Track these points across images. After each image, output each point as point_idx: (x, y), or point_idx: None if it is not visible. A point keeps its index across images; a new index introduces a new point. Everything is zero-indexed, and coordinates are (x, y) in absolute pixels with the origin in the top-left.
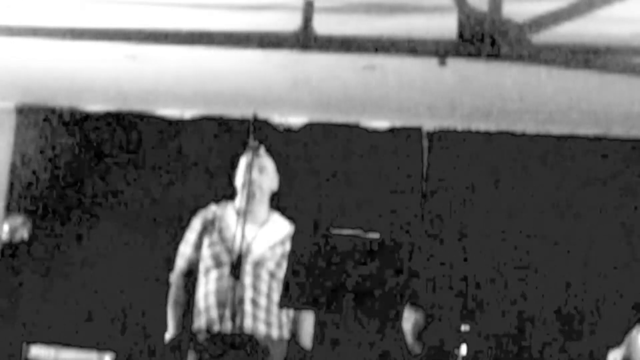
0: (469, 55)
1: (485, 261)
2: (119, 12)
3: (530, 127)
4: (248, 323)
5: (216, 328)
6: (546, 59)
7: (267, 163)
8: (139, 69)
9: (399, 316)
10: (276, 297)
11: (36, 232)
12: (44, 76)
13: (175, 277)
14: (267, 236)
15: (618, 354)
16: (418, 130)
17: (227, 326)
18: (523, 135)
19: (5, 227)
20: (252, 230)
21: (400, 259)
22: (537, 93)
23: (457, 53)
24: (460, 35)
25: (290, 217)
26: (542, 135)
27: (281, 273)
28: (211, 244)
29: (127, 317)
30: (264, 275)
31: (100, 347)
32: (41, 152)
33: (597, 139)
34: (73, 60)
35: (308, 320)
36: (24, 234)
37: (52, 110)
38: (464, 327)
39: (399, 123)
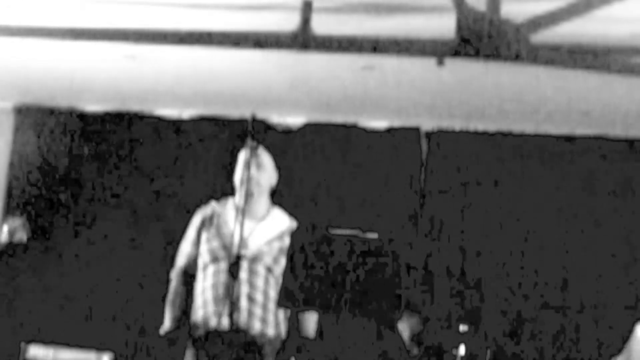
0: (468, 55)
1: (483, 261)
2: (117, 12)
3: (528, 127)
4: (243, 319)
5: (212, 323)
6: (544, 59)
7: (265, 159)
8: (137, 69)
9: (397, 316)
10: (273, 293)
11: (34, 232)
12: (42, 76)
13: (174, 273)
14: (265, 231)
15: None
16: (416, 130)
17: (223, 322)
18: (521, 135)
19: (5, 229)
20: (249, 226)
21: (398, 259)
22: (535, 93)
23: (456, 53)
24: (459, 35)
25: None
26: (540, 135)
27: (278, 268)
28: (208, 240)
29: (126, 317)
30: (261, 271)
31: (98, 347)
32: (40, 152)
33: (596, 139)
34: (72, 60)
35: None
36: (22, 235)
37: (51, 111)
38: (463, 328)
39: (397, 123)
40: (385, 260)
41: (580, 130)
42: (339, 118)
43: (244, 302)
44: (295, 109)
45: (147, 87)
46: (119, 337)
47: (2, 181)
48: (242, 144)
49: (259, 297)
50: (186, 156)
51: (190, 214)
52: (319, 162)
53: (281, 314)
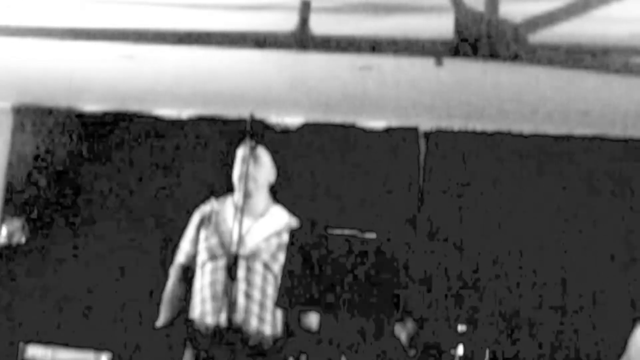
0: (466, 55)
1: (482, 261)
2: (116, 12)
3: (527, 127)
4: (240, 317)
5: (209, 320)
6: (543, 59)
7: (263, 156)
8: (136, 69)
9: (395, 317)
10: (271, 290)
11: (33, 232)
12: (41, 76)
13: (172, 269)
14: (262, 228)
15: None
16: (415, 130)
17: (220, 319)
18: (520, 135)
19: (3, 231)
20: (247, 223)
21: (397, 259)
22: (534, 93)
23: (454, 53)
24: (457, 35)
25: None
26: (539, 135)
27: (277, 265)
28: (207, 238)
29: (124, 317)
30: (258, 268)
31: (97, 347)
32: (38, 152)
33: (594, 139)
34: (71, 60)
35: None
36: (21, 237)
37: (50, 111)
38: (461, 328)
39: (395, 123)
40: (384, 260)
41: (579, 131)
42: (337, 118)
43: (241, 300)
44: (294, 108)
45: (145, 87)
46: (117, 337)
47: (1, 180)
48: (241, 144)
49: (256, 294)
50: (185, 156)
51: (189, 214)
52: (318, 162)
53: (279, 311)
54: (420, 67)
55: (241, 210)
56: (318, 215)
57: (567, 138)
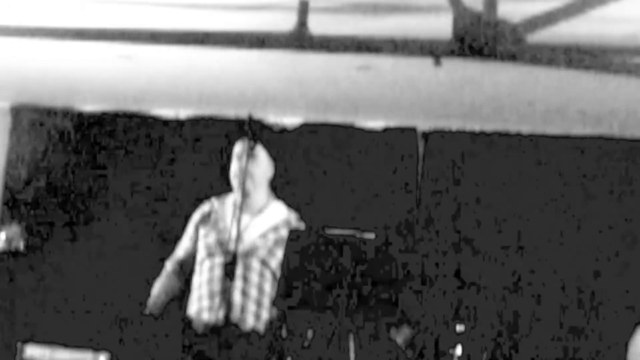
0: (464, 55)
1: (480, 261)
2: (114, 12)
3: (525, 127)
4: (236, 314)
5: (205, 317)
6: (541, 59)
7: (259, 152)
8: (134, 69)
9: (393, 316)
10: (268, 286)
11: (32, 233)
12: (39, 76)
13: (169, 262)
14: (259, 224)
15: None
16: (413, 130)
17: (216, 316)
18: (518, 135)
19: (2, 237)
20: (245, 221)
21: (395, 259)
22: (532, 93)
23: (452, 53)
24: (456, 35)
25: None
26: (537, 135)
27: (274, 260)
28: (205, 235)
29: (123, 317)
30: (255, 265)
31: (95, 347)
32: (36, 152)
33: (592, 139)
34: (68, 60)
35: None
36: (19, 244)
37: (48, 111)
38: (459, 328)
39: (393, 123)
40: (382, 260)
41: (577, 130)
42: (335, 118)
43: (237, 297)
44: (292, 108)
45: (144, 87)
46: (115, 337)
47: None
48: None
49: (253, 292)
50: (183, 156)
51: (187, 214)
52: (316, 162)
53: (276, 309)
54: (419, 67)
55: (240, 208)
56: (316, 215)
57: (566, 138)
